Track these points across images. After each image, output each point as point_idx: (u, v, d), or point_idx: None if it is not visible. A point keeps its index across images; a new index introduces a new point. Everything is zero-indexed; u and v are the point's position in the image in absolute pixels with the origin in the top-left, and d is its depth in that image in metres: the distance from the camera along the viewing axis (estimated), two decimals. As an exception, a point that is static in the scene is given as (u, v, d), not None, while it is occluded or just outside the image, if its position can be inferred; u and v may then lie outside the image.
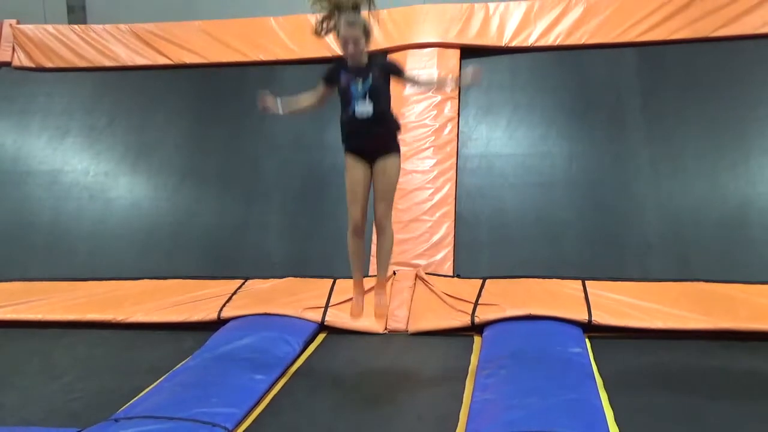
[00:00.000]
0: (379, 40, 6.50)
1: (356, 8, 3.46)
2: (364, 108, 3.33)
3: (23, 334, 5.02)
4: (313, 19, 3.60)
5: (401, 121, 3.87)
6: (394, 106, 3.66)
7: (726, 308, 4.53)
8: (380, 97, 3.40)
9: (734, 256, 5.07)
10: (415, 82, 3.61)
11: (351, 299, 4.86)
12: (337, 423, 3.47)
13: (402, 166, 5.71)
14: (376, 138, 3.43)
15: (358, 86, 3.35)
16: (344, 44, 3.35)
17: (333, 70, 3.48)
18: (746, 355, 4.12)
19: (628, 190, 5.54)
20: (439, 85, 4.06)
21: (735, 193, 5.35)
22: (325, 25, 3.49)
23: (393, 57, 3.56)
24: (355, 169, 3.48)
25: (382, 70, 3.43)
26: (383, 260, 3.60)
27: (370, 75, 3.37)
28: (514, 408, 3.24)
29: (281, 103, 3.53)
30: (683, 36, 5.95)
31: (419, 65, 6.21)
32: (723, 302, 4.61)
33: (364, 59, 3.41)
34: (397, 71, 3.50)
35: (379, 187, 3.50)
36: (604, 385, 3.68)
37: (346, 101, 3.42)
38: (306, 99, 3.56)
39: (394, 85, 3.55)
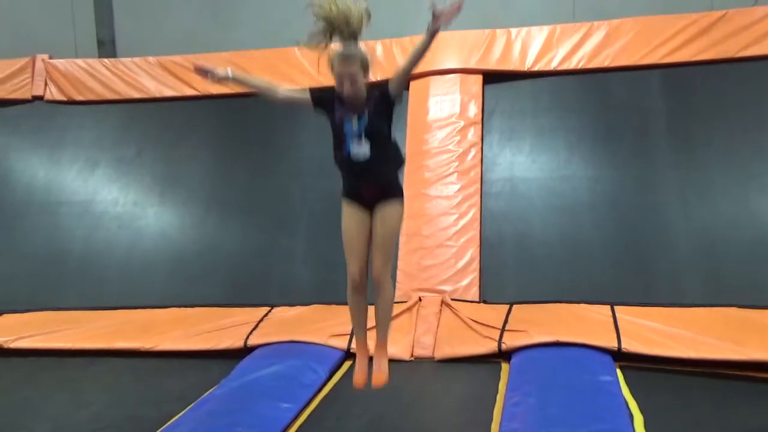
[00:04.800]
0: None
1: (353, 37, 3.00)
2: (359, 149, 2.96)
3: (54, 362, 5.08)
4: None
5: (405, 153, 3.18)
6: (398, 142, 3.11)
7: (760, 337, 4.37)
8: (378, 136, 2.99)
9: (767, 280, 4.96)
10: (406, 67, 2.94)
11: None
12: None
13: (426, 191, 5.82)
14: (374, 183, 3.02)
15: (353, 124, 2.97)
16: (339, 82, 2.94)
17: (328, 98, 3.05)
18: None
19: (655, 213, 5.46)
20: (422, 45, 2.92)
21: (766, 215, 5.25)
22: (315, 40, 3.01)
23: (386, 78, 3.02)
24: (351, 218, 3.07)
25: (378, 101, 3.00)
26: (382, 321, 3.21)
27: (366, 111, 2.97)
28: (542, 437, 3.19)
29: (231, 71, 3.06)
30: (708, 57, 5.90)
31: (442, 91, 6.25)
32: (756, 330, 4.46)
33: (362, 95, 3.00)
34: (387, 91, 3.00)
35: (377, 238, 3.07)
36: (637, 415, 3.57)
37: (340, 140, 3.02)
38: (270, 84, 3.09)
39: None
